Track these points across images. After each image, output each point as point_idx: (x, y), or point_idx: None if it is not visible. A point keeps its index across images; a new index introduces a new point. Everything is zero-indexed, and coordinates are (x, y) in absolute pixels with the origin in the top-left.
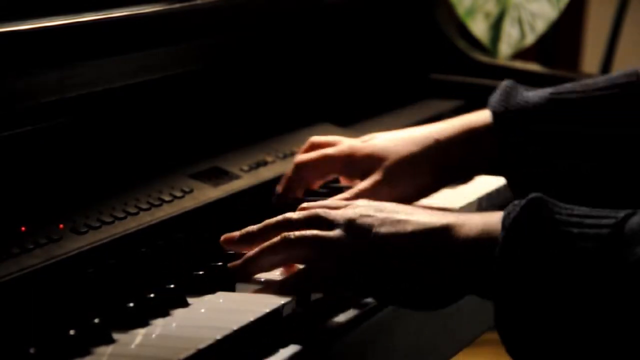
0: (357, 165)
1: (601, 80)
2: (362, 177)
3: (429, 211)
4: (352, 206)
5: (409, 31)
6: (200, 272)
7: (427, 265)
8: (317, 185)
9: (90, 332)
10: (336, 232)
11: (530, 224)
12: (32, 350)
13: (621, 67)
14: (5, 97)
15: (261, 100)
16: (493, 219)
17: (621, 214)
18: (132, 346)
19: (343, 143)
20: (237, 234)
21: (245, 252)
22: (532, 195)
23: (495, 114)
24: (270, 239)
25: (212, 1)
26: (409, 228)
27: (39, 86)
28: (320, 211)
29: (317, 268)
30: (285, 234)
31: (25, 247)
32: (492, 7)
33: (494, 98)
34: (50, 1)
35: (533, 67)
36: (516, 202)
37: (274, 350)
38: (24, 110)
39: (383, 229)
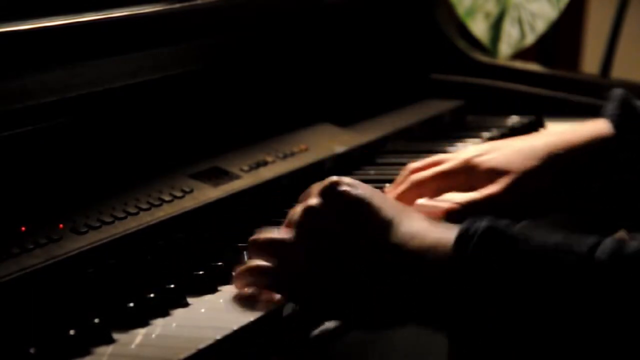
0: (479, 180)
1: None
2: (473, 189)
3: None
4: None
5: (409, 31)
6: (200, 272)
7: (373, 277)
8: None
9: (90, 332)
10: (290, 236)
11: (486, 246)
12: (32, 350)
13: (621, 67)
14: (5, 97)
15: (261, 100)
16: (447, 236)
17: (588, 243)
18: (132, 346)
19: (456, 158)
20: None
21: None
22: (488, 218)
23: (615, 124)
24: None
25: (212, 1)
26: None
27: (39, 86)
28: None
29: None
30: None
31: (25, 247)
32: (492, 7)
33: (610, 107)
34: (50, 1)
35: (533, 67)
36: (473, 219)
37: (274, 350)
38: (24, 110)
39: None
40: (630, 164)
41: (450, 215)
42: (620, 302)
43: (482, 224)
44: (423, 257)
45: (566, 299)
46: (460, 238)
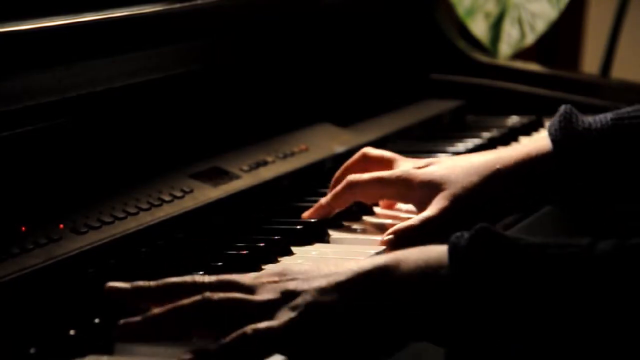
0: (414, 192)
1: None
2: (418, 205)
3: (357, 260)
4: (261, 275)
5: (409, 31)
6: (200, 273)
7: (364, 314)
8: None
9: (90, 332)
10: (263, 295)
11: (484, 251)
12: (32, 350)
13: (621, 67)
14: (5, 97)
15: (261, 100)
16: (436, 253)
17: (585, 240)
18: (133, 346)
19: (398, 165)
20: (127, 286)
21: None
22: (481, 224)
23: (555, 142)
24: (172, 300)
25: (212, 1)
26: (341, 278)
27: (39, 86)
28: (236, 276)
29: (257, 331)
30: (207, 293)
31: (25, 247)
32: (492, 7)
33: (553, 125)
34: (50, 1)
35: (533, 67)
36: (458, 233)
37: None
38: (24, 110)
39: (315, 284)
40: (569, 181)
41: (408, 236)
42: (627, 292)
43: (471, 231)
44: (417, 278)
45: (571, 290)
46: (452, 246)
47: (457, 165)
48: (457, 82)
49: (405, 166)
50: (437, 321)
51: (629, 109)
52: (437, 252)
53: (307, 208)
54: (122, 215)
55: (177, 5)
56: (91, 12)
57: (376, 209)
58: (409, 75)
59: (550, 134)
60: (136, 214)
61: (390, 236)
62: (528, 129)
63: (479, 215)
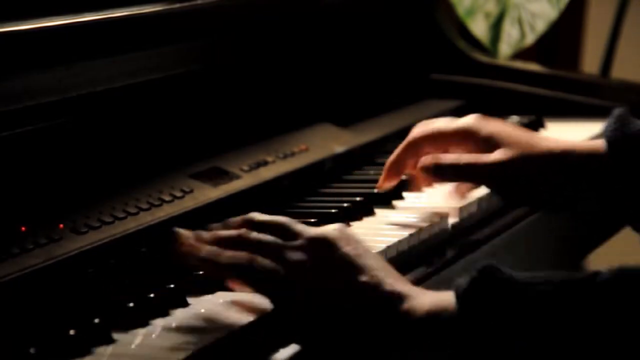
0: (478, 142)
1: None
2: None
3: (392, 271)
4: (322, 228)
5: (409, 31)
6: (200, 272)
7: (364, 325)
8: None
9: (90, 332)
10: (294, 244)
11: (487, 289)
12: (32, 350)
13: (621, 67)
14: (5, 97)
15: (261, 100)
16: (445, 294)
17: (588, 272)
18: (132, 346)
19: (459, 121)
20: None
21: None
22: (483, 262)
23: (610, 144)
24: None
25: (212, 1)
26: (364, 278)
27: (39, 86)
28: (287, 220)
29: (264, 268)
30: (245, 231)
31: (25, 247)
32: (492, 7)
33: (608, 127)
34: (50, 1)
35: (533, 67)
36: (462, 277)
37: (274, 350)
38: (24, 110)
39: (337, 264)
40: (622, 183)
41: (446, 170)
42: (630, 318)
43: (473, 272)
44: (424, 316)
45: (575, 324)
46: (456, 288)
47: (522, 132)
48: (457, 82)
49: (468, 117)
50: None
51: None
52: (445, 294)
53: (307, 208)
54: (122, 215)
55: (177, 5)
56: (91, 12)
57: (405, 194)
58: (409, 75)
59: (606, 136)
60: (136, 214)
61: (426, 162)
62: (528, 129)
63: (525, 188)
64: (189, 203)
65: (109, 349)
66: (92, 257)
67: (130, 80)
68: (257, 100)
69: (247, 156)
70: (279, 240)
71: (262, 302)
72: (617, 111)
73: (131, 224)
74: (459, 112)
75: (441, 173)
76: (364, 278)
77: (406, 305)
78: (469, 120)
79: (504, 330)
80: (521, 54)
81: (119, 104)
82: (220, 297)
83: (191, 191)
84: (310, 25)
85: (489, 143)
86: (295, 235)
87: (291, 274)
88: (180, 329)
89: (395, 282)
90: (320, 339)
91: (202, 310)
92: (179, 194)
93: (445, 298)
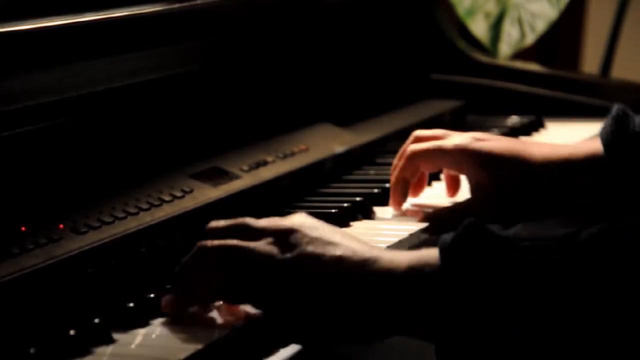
0: (472, 162)
1: None
2: (472, 175)
3: (363, 242)
4: (285, 218)
5: (409, 31)
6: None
7: (350, 294)
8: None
9: (90, 332)
10: (260, 243)
11: (470, 244)
12: (32, 350)
13: (621, 67)
14: (5, 97)
15: (261, 100)
16: (428, 251)
17: (572, 229)
18: (132, 346)
19: (453, 137)
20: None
21: None
22: (468, 219)
23: (606, 146)
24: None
25: (211, 1)
26: (337, 252)
27: (39, 86)
28: (249, 220)
29: (231, 277)
30: (203, 242)
31: (25, 247)
32: (492, 7)
33: (605, 128)
34: (50, 1)
35: (533, 67)
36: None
37: (274, 350)
38: (24, 110)
39: (310, 248)
40: (620, 184)
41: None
42: (614, 277)
43: (459, 228)
44: (406, 271)
45: (558, 279)
46: (441, 243)
47: (516, 145)
48: (457, 82)
49: (464, 137)
50: (425, 317)
51: None
52: (428, 251)
53: (307, 208)
54: (122, 215)
55: (177, 5)
56: (91, 12)
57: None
58: (409, 75)
59: (602, 137)
60: (136, 214)
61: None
62: (528, 129)
63: (520, 208)
64: (189, 203)
65: (109, 349)
66: (92, 257)
67: (130, 80)
68: (256, 100)
69: (247, 156)
70: (243, 243)
71: None
72: (614, 111)
73: (131, 224)
74: (459, 112)
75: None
76: (338, 252)
77: (386, 264)
78: (465, 140)
79: (486, 284)
80: (521, 54)
81: (118, 104)
82: None
83: (191, 191)
84: (310, 25)
85: (483, 163)
86: (259, 232)
87: (266, 273)
88: (180, 329)
89: (369, 249)
90: (314, 329)
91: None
92: (179, 194)
93: (428, 254)
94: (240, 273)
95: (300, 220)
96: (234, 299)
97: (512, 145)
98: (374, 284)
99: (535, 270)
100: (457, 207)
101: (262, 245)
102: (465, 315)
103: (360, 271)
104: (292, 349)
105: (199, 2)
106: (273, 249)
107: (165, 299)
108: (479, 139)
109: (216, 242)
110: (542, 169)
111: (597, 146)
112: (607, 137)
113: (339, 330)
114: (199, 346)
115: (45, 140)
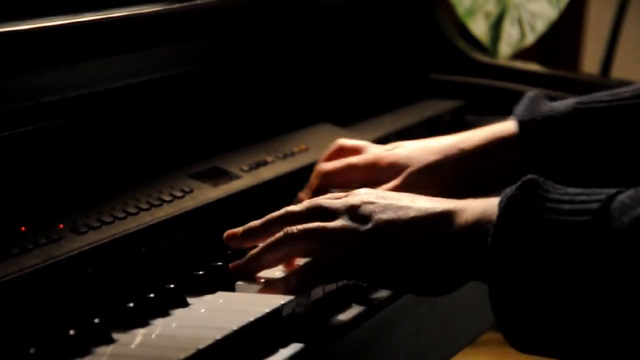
0: (381, 173)
1: (627, 90)
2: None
3: (431, 198)
4: (352, 194)
5: (409, 31)
6: (200, 272)
7: (429, 250)
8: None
9: (90, 332)
10: (338, 222)
11: (523, 203)
12: (32, 350)
13: (621, 67)
14: (5, 97)
15: (261, 100)
16: (492, 202)
17: (612, 191)
18: (132, 346)
19: (368, 151)
20: (240, 229)
21: (248, 248)
22: (528, 176)
23: (520, 123)
24: (274, 233)
25: (211, 1)
26: (411, 214)
27: (39, 86)
28: (322, 201)
29: (323, 260)
30: (288, 228)
31: (25, 247)
32: (492, 7)
33: (519, 107)
34: (50, 1)
35: (533, 67)
36: (513, 186)
37: (274, 350)
38: (24, 110)
39: (385, 215)
40: (535, 163)
41: None
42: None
43: (518, 183)
44: (472, 226)
45: (588, 248)
46: (501, 198)
47: (421, 147)
48: (457, 82)
49: (375, 150)
50: (485, 264)
51: (594, 95)
52: (495, 201)
53: None
54: (122, 215)
55: (177, 5)
56: (91, 12)
57: None
58: (409, 75)
59: (516, 115)
60: (136, 214)
61: None
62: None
63: (441, 192)
64: (188, 203)
65: (109, 349)
66: (92, 257)
67: (130, 80)
68: (256, 100)
69: (247, 156)
70: (321, 224)
71: (262, 301)
72: (530, 92)
73: (131, 224)
74: (459, 112)
75: None
76: (411, 214)
77: (454, 219)
78: (371, 154)
79: (530, 247)
80: (521, 54)
81: (118, 104)
82: (221, 297)
83: (191, 191)
84: (310, 25)
85: (393, 170)
86: (333, 212)
87: (353, 247)
88: (180, 329)
89: (439, 205)
90: (403, 284)
91: (202, 310)
92: (179, 194)
93: (491, 209)
94: (330, 254)
95: (367, 193)
96: (330, 279)
97: (416, 146)
98: (443, 238)
99: (567, 239)
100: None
101: (341, 223)
102: (514, 272)
103: (430, 229)
104: (293, 348)
105: (199, 2)
106: (352, 224)
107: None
108: (385, 149)
109: (300, 227)
110: (459, 162)
111: (510, 127)
112: (521, 115)
113: (425, 282)
114: (199, 346)
115: (45, 140)
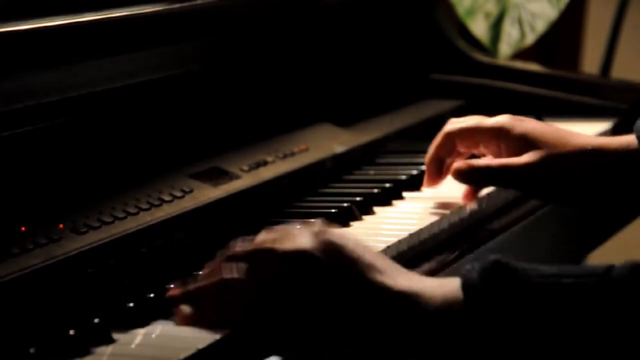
0: (509, 142)
1: None
2: (510, 156)
3: (398, 268)
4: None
5: (409, 31)
6: (201, 272)
7: (378, 326)
8: (463, 156)
9: (90, 332)
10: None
11: (497, 289)
12: (32, 350)
13: (621, 67)
14: (6, 97)
15: (261, 100)
16: (450, 287)
17: (602, 266)
18: (132, 346)
19: (495, 118)
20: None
21: None
22: (492, 257)
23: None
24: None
25: (211, 1)
26: (378, 278)
27: (39, 86)
28: (261, 244)
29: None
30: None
31: (25, 247)
32: (492, 7)
33: (639, 122)
34: (50, 1)
35: (533, 67)
36: (469, 266)
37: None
38: (24, 110)
39: (355, 267)
40: None
41: (480, 173)
42: None
43: (482, 264)
44: (434, 312)
45: (589, 319)
46: (464, 281)
47: (556, 130)
48: (457, 82)
49: (502, 116)
50: (452, 355)
51: None
52: (453, 286)
53: (307, 208)
54: (122, 215)
55: (177, 5)
56: (91, 12)
57: (405, 194)
58: (409, 75)
59: (636, 130)
60: (136, 214)
61: (460, 165)
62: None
63: (558, 188)
64: (188, 203)
65: (109, 349)
66: (92, 257)
67: (130, 80)
68: (256, 100)
69: (247, 156)
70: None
71: None
72: None
73: (131, 224)
74: (459, 112)
75: (475, 177)
76: (378, 278)
77: (418, 300)
78: (503, 119)
79: (512, 326)
80: (521, 54)
81: (118, 104)
82: None
83: (191, 191)
84: (310, 25)
85: (521, 142)
86: (271, 257)
87: (278, 307)
88: (180, 329)
89: (401, 280)
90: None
91: None
92: (179, 194)
93: (455, 291)
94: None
95: (314, 244)
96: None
97: (550, 129)
98: (403, 322)
99: (563, 313)
100: (496, 164)
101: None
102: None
103: (392, 307)
104: None
105: (199, 2)
106: (320, 253)
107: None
108: (518, 119)
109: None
110: (578, 155)
111: (631, 139)
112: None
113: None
114: (199, 346)
115: (45, 140)
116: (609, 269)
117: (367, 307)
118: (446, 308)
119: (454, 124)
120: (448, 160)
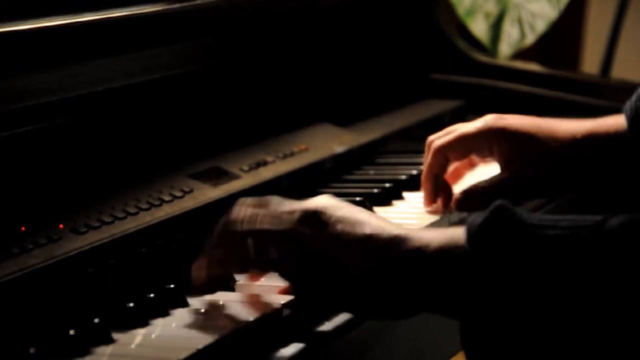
0: (500, 142)
1: None
2: (502, 157)
3: (389, 221)
4: (309, 201)
5: (409, 31)
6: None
7: (379, 271)
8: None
9: (90, 332)
10: (289, 224)
11: (498, 229)
12: (32, 350)
13: (621, 67)
14: (5, 97)
15: (261, 100)
16: (457, 231)
17: (598, 217)
18: (132, 346)
19: (471, 123)
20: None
21: None
22: (497, 202)
23: (629, 120)
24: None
25: (212, 1)
26: (367, 230)
27: (39, 86)
28: (274, 200)
29: (276, 265)
30: (231, 225)
31: (25, 247)
32: (492, 7)
33: (630, 103)
34: (50, 1)
35: (533, 67)
36: (475, 213)
37: (274, 350)
38: (24, 110)
39: (339, 226)
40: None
41: (480, 197)
42: (637, 267)
43: (486, 210)
44: (434, 252)
45: (581, 267)
46: (469, 225)
47: (541, 123)
48: (457, 82)
49: (484, 119)
50: (452, 297)
51: None
52: (457, 231)
53: None
54: (122, 215)
55: (177, 5)
56: (91, 12)
57: (405, 194)
58: (409, 75)
59: (626, 112)
60: (136, 214)
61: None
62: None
63: (552, 184)
64: (188, 203)
65: (109, 349)
66: (92, 257)
67: (130, 80)
68: (256, 100)
69: (247, 156)
70: (273, 227)
71: (262, 302)
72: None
73: (131, 224)
74: (459, 112)
75: (478, 202)
76: (367, 230)
77: (416, 243)
78: (486, 122)
79: (511, 270)
80: (521, 54)
81: (118, 104)
82: (220, 297)
83: (191, 191)
84: (310, 25)
85: (511, 142)
86: (288, 213)
87: (297, 251)
88: (180, 329)
89: (397, 227)
90: (342, 305)
91: (202, 310)
92: (179, 194)
93: (458, 234)
94: (273, 255)
95: (324, 201)
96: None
97: (536, 122)
98: (403, 262)
99: (560, 259)
100: (489, 184)
101: (291, 225)
102: (491, 299)
103: (389, 249)
104: (293, 348)
105: (199, 2)
106: (303, 229)
107: (195, 266)
108: (500, 117)
109: (246, 227)
110: (569, 146)
111: (620, 121)
112: (632, 112)
113: (367, 306)
114: (199, 346)
115: (45, 140)
116: (604, 220)
117: (369, 257)
118: (447, 248)
119: (439, 138)
120: (443, 175)
